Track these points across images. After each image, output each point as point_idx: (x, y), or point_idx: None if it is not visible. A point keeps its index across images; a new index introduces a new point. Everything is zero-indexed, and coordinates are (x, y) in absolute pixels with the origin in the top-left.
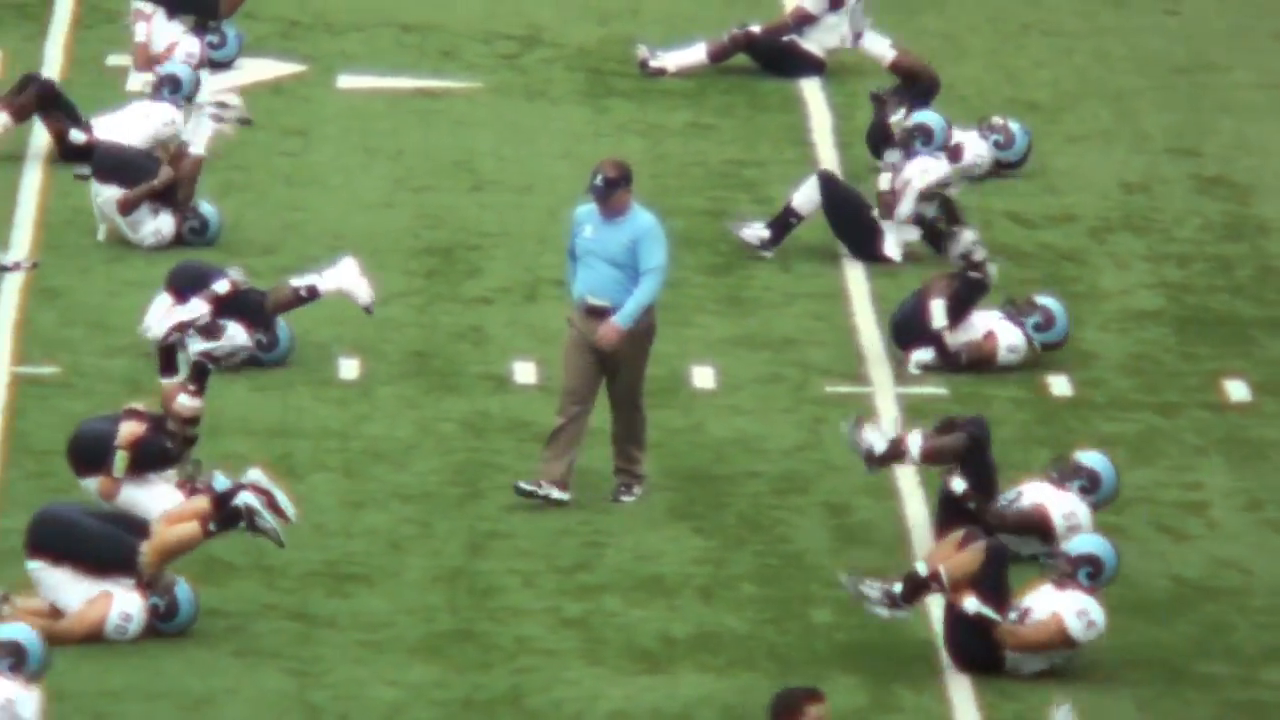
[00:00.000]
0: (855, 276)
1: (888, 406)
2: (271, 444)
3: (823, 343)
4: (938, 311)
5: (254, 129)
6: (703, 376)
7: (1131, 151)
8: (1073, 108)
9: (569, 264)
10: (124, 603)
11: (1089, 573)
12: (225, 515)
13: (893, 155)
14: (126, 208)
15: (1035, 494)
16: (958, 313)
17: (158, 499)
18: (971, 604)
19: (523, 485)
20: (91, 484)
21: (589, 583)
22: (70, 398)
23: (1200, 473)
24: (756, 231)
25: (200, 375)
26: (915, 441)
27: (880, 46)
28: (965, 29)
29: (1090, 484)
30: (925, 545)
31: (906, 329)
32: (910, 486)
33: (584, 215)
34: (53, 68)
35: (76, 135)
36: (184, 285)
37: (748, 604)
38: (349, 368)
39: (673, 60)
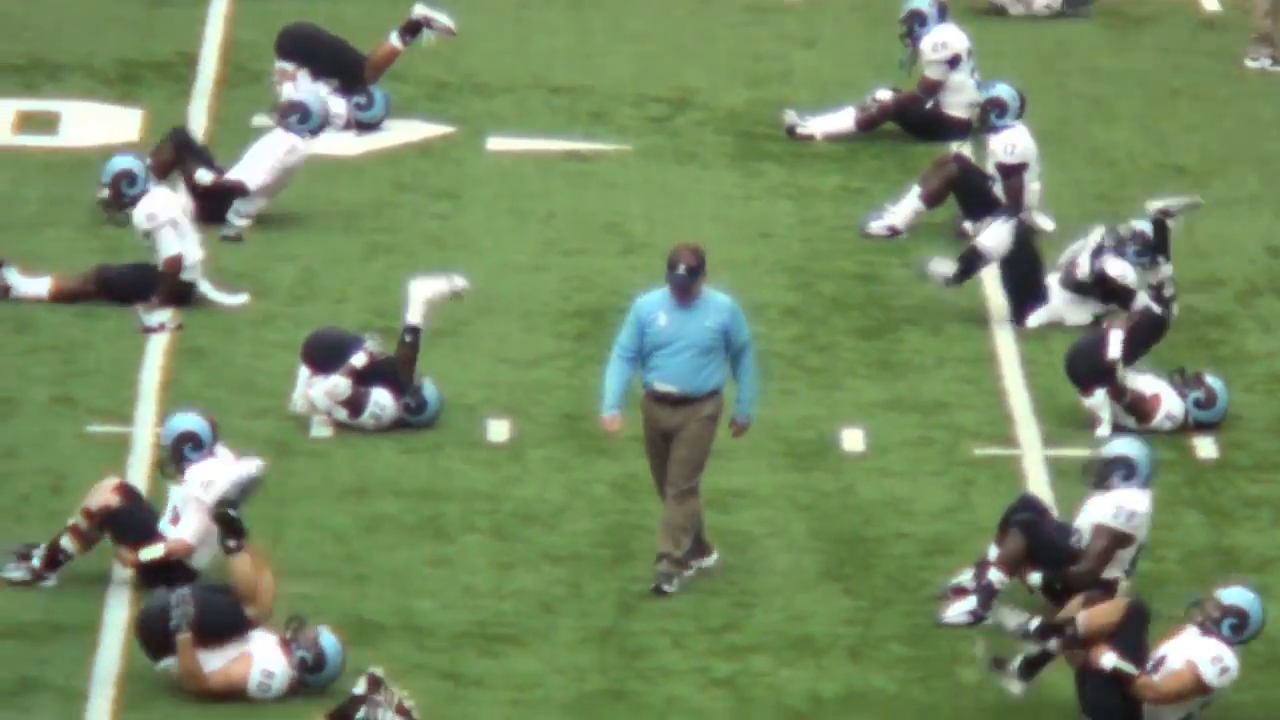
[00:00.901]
0: (1004, 340)
1: (1036, 469)
2: (421, 506)
3: (972, 406)
4: (1115, 341)
5: (402, 190)
6: (853, 439)
7: (1278, 216)
8: (1220, 172)
9: (619, 361)
10: (266, 660)
11: (1234, 624)
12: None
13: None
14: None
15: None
16: (1134, 350)
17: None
18: (1109, 659)
19: (664, 587)
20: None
21: (738, 643)
22: None
23: None
24: (942, 268)
25: (228, 526)
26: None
27: None
28: (1114, 93)
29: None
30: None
31: (1081, 365)
32: None
33: (652, 305)
34: (197, 127)
35: (203, 175)
36: (321, 357)
37: (896, 664)
38: (498, 430)
39: (820, 126)
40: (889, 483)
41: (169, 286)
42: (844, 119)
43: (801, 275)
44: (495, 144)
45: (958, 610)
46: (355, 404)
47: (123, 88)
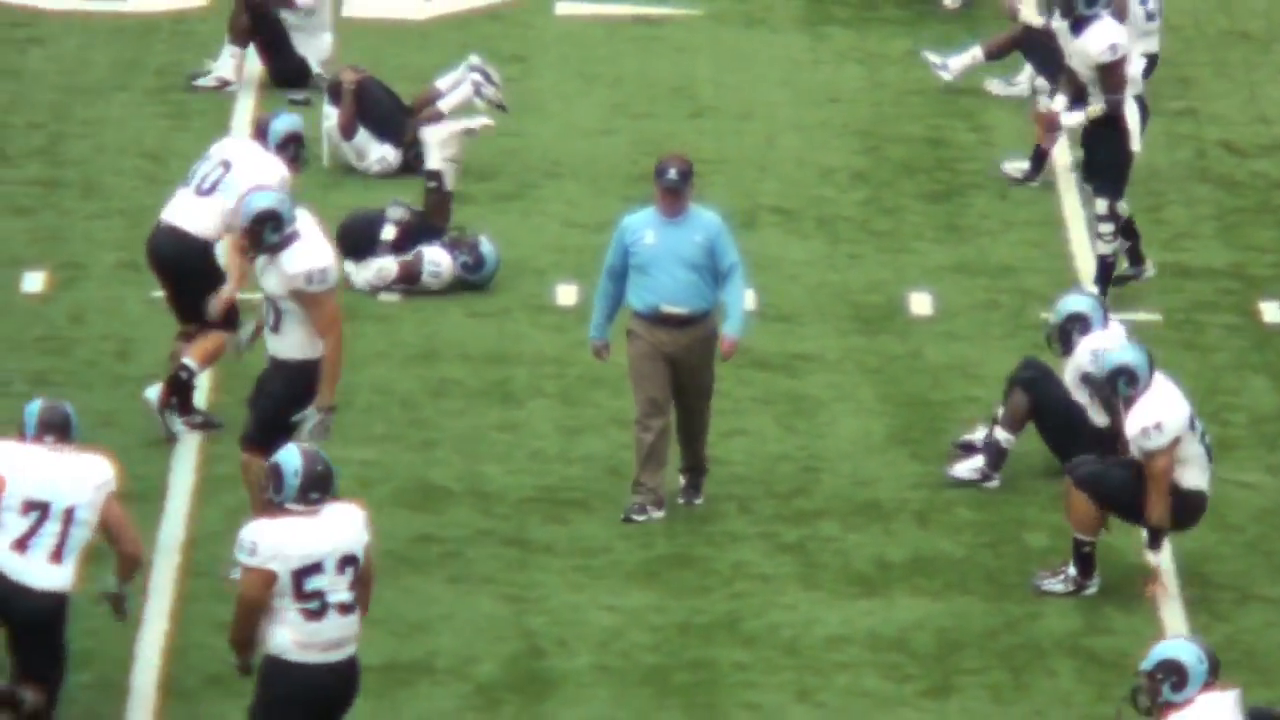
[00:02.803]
0: (1071, 204)
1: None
2: (488, 370)
3: (1039, 269)
4: None
5: (471, 54)
6: (920, 303)
7: None
8: None
9: (607, 280)
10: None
11: (1173, 683)
12: None
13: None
14: (346, 131)
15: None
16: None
17: None
18: None
19: (634, 517)
20: None
21: (805, 508)
22: None
23: None
24: (1017, 165)
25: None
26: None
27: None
28: None
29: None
30: None
31: None
32: None
33: (638, 222)
34: None
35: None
36: (353, 244)
37: (964, 528)
38: (566, 294)
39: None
40: (956, 346)
41: None
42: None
43: (869, 139)
44: (564, 8)
45: (966, 467)
46: (409, 274)
47: None
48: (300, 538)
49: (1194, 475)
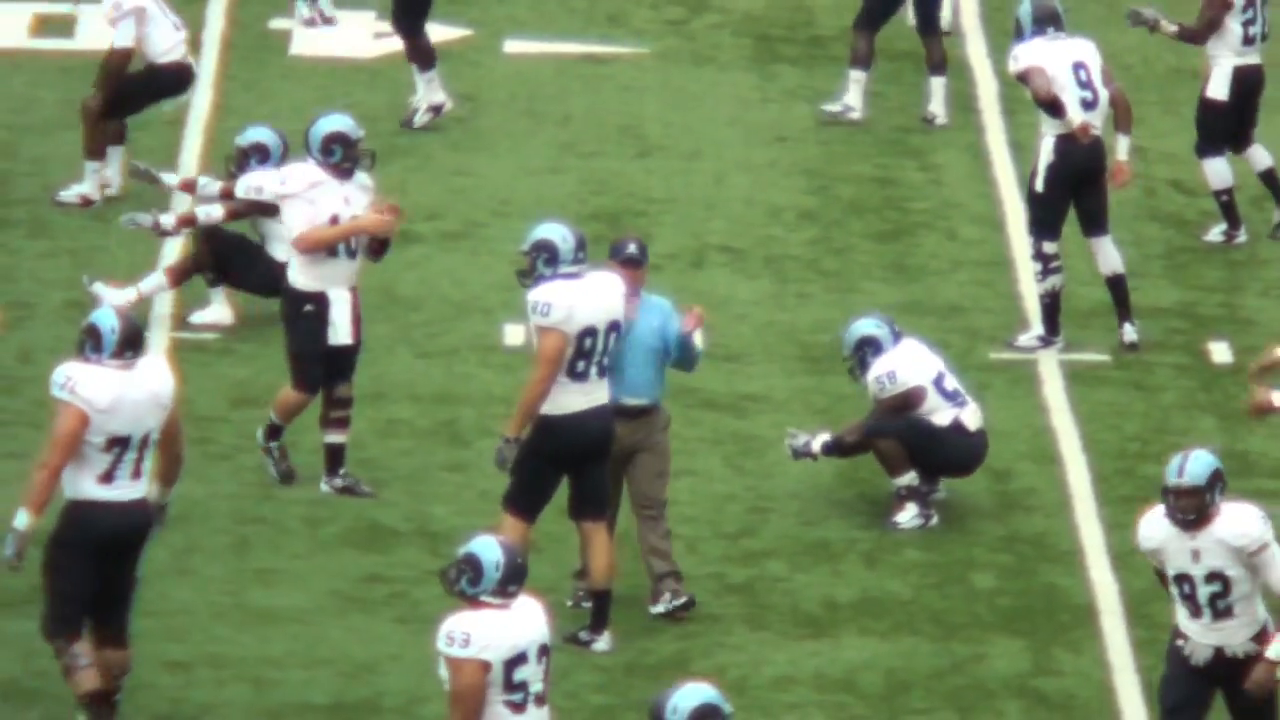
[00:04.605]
0: (1020, 244)
1: (1052, 373)
2: (436, 410)
3: (988, 309)
4: None
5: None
6: None
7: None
8: None
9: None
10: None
11: None
12: None
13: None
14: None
15: None
16: None
17: None
18: None
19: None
20: None
21: (753, 548)
22: (232, 364)
23: None
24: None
25: None
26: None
27: None
28: None
29: None
30: (1087, 511)
31: None
32: (1073, 451)
33: None
34: (213, 31)
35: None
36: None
37: (911, 569)
38: (514, 333)
39: None
40: None
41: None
42: None
43: (818, 179)
44: (512, 46)
45: (906, 516)
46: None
47: None
48: (508, 628)
49: (943, 417)
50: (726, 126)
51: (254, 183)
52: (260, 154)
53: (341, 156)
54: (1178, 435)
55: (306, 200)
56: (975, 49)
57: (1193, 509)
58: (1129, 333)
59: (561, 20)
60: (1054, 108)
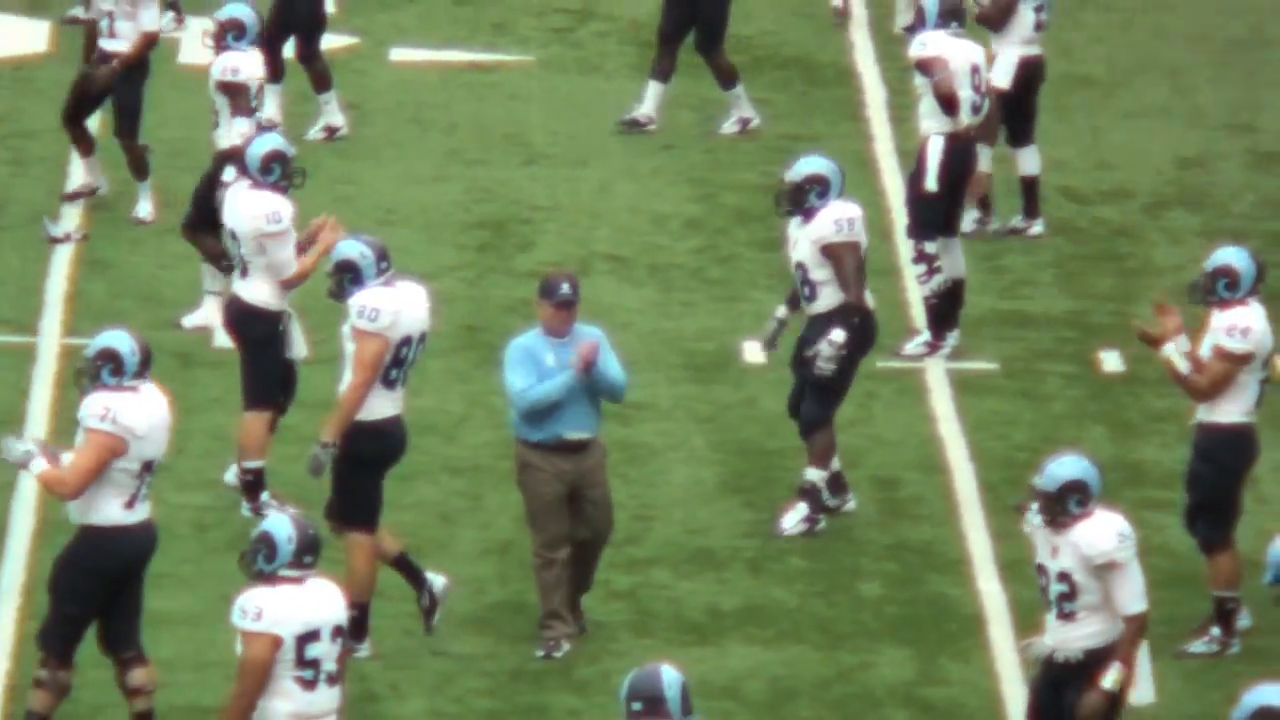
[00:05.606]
0: (906, 253)
1: (939, 381)
2: (323, 416)
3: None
4: None
5: (307, 101)
6: (754, 351)
7: (1187, 127)
8: (1128, 83)
9: (540, 405)
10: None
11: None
12: None
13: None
14: None
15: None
16: None
17: None
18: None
19: (554, 654)
20: None
21: (638, 556)
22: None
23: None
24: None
25: None
26: None
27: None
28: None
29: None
30: (974, 520)
31: None
32: (960, 460)
33: (534, 346)
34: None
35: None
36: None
37: (796, 577)
38: None
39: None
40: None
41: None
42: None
43: (704, 186)
44: (398, 54)
45: (792, 519)
46: None
47: None
48: (301, 605)
49: None
50: (612, 135)
51: (230, 64)
52: (237, 31)
53: (280, 174)
54: (1067, 445)
55: (291, 231)
56: (863, 56)
57: (1046, 510)
58: (950, 341)
59: (447, 29)
60: (949, 104)
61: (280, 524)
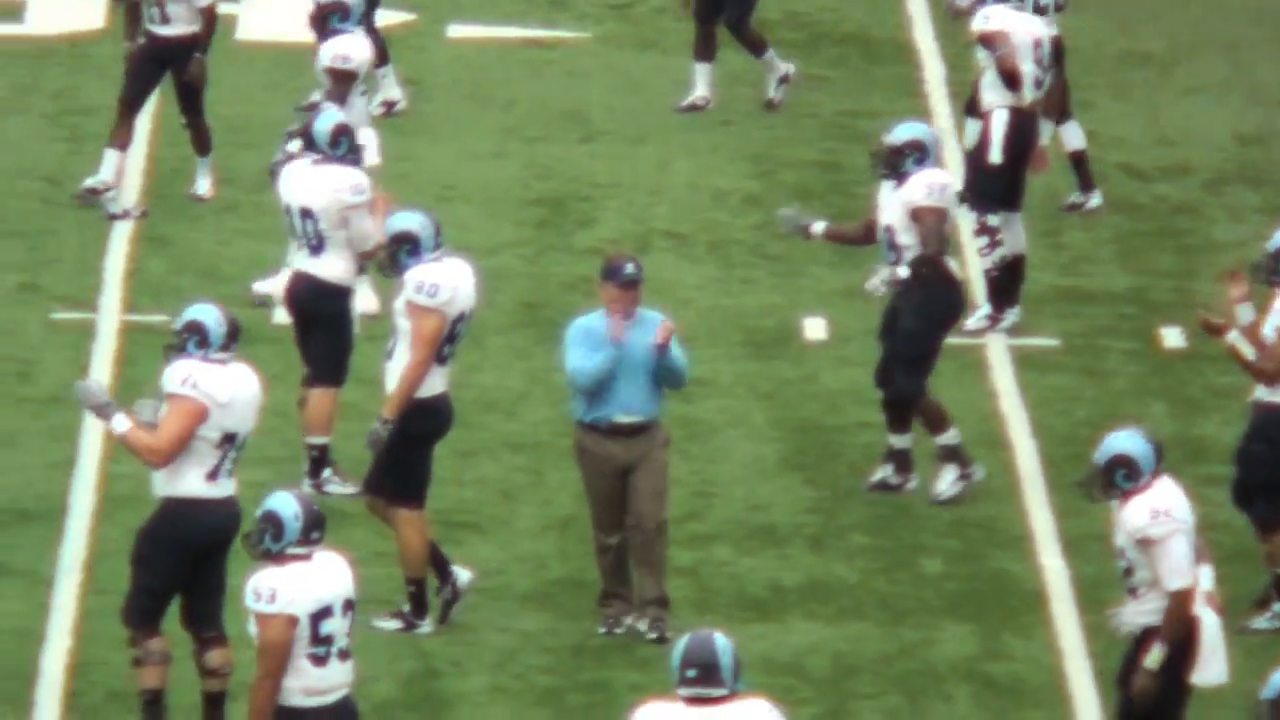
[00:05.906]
0: (966, 226)
1: (1000, 358)
2: (383, 392)
3: None
4: None
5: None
6: (814, 328)
7: (1247, 103)
8: (1187, 59)
9: (583, 382)
10: None
11: (1124, 474)
12: None
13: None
14: None
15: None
16: None
17: None
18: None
19: (615, 630)
20: None
21: (699, 532)
22: None
23: None
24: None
25: None
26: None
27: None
28: None
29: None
30: (1036, 497)
31: None
32: (1022, 436)
33: (596, 326)
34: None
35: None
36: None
37: (858, 553)
38: None
39: None
40: (850, 371)
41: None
42: None
43: (763, 163)
44: (456, 31)
45: (946, 482)
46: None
47: None
48: (312, 582)
49: None
50: (670, 112)
51: (341, 50)
52: (341, 13)
53: (348, 148)
54: (1128, 421)
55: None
56: (921, 33)
57: (1095, 484)
58: (1010, 316)
59: (505, 5)
60: (1012, 79)
61: (285, 502)
